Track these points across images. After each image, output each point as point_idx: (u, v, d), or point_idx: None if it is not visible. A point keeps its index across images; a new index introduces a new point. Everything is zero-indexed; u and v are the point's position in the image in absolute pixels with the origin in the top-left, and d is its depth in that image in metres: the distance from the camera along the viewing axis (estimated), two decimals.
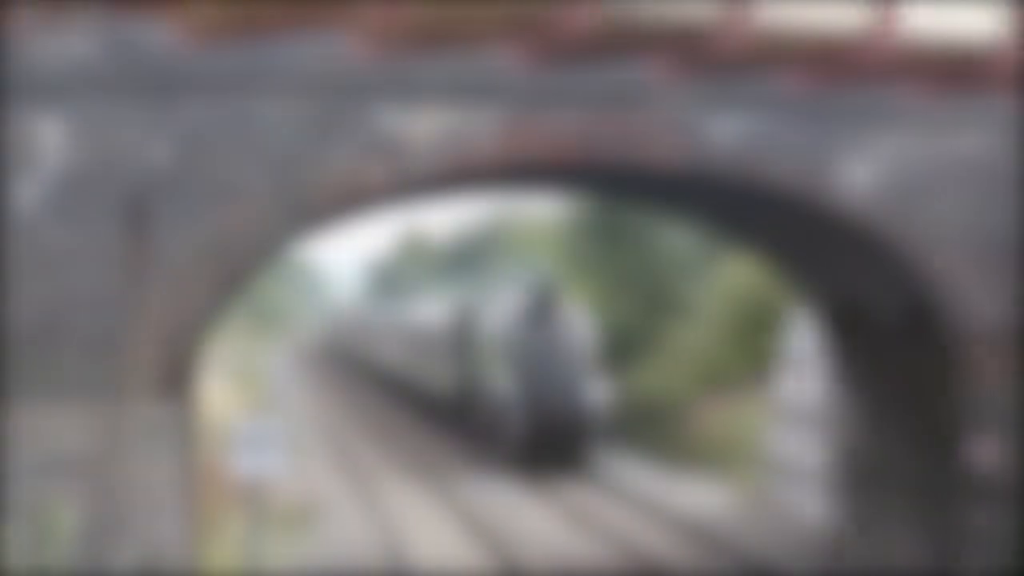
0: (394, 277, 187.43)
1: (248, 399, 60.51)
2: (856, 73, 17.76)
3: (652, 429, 54.64)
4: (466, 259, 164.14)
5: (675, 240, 65.93)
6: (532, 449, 47.21)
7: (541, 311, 48.82)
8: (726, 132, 24.87)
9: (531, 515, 37.78)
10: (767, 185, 25.26)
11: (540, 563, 30.32)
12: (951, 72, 17.55)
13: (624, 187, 32.16)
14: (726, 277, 54.54)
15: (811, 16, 15.46)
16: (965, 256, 26.23)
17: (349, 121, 23.26)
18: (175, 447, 22.45)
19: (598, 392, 48.04)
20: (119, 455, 21.96)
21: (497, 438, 50.15)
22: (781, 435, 37.75)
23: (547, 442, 47.03)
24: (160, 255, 22.41)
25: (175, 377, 22.41)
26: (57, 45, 21.95)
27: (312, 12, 14.22)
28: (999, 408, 26.57)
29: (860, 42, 15.82)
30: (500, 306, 52.63)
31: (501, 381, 48.57)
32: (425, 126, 23.53)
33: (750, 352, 50.09)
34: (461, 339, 58.15)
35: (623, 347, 60.70)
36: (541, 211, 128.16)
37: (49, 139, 22.00)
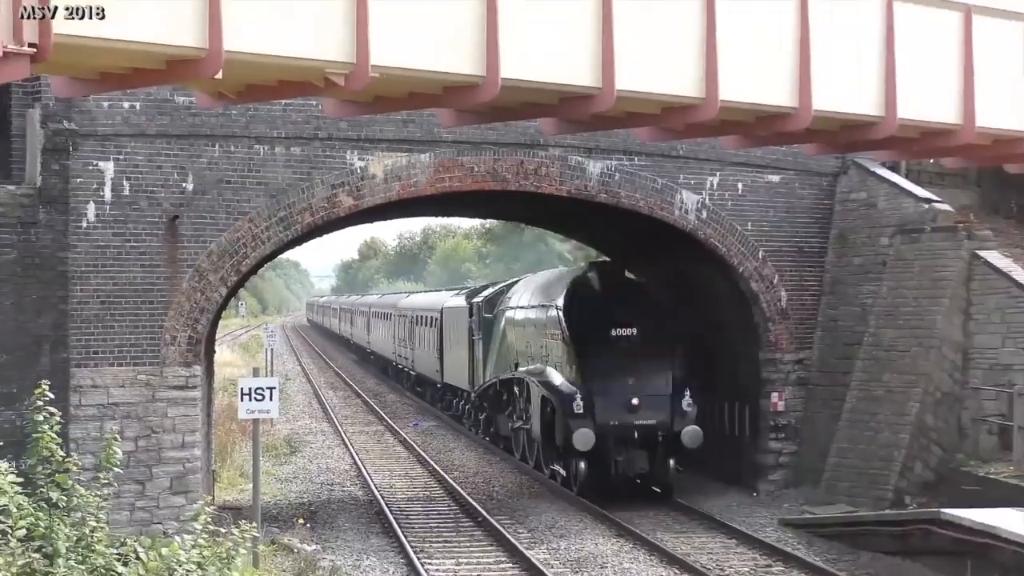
0: (356, 273, 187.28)
1: (251, 362, 59.89)
2: (690, 128, 17.74)
3: None
4: (407, 259, 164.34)
5: (561, 245, 65.78)
6: (603, 471, 26.24)
7: (609, 290, 27.59)
8: (598, 170, 24.90)
9: (457, 445, 37.66)
10: (627, 207, 25.31)
11: (460, 474, 30.28)
12: (760, 127, 17.55)
13: (525, 209, 32.14)
14: None
15: (656, 86, 15.43)
16: (768, 258, 26.37)
17: (325, 162, 23.15)
18: (198, 398, 22.29)
19: (689, 392, 26.38)
20: (157, 404, 21.79)
21: (548, 452, 28.57)
22: None
23: (626, 461, 26.25)
24: (187, 258, 22.24)
25: (198, 347, 22.24)
26: (110, 105, 21.77)
27: (298, 86, 14.10)
28: (787, 368, 26.83)
29: (694, 105, 15.79)
30: (546, 284, 31.23)
31: (555, 377, 27.37)
32: (380, 166, 23.42)
33: None
34: (479, 326, 36.59)
35: None
36: (463, 223, 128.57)
37: (106, 174, 21.79)
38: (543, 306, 29.46)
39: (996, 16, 18.14)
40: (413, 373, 53.07)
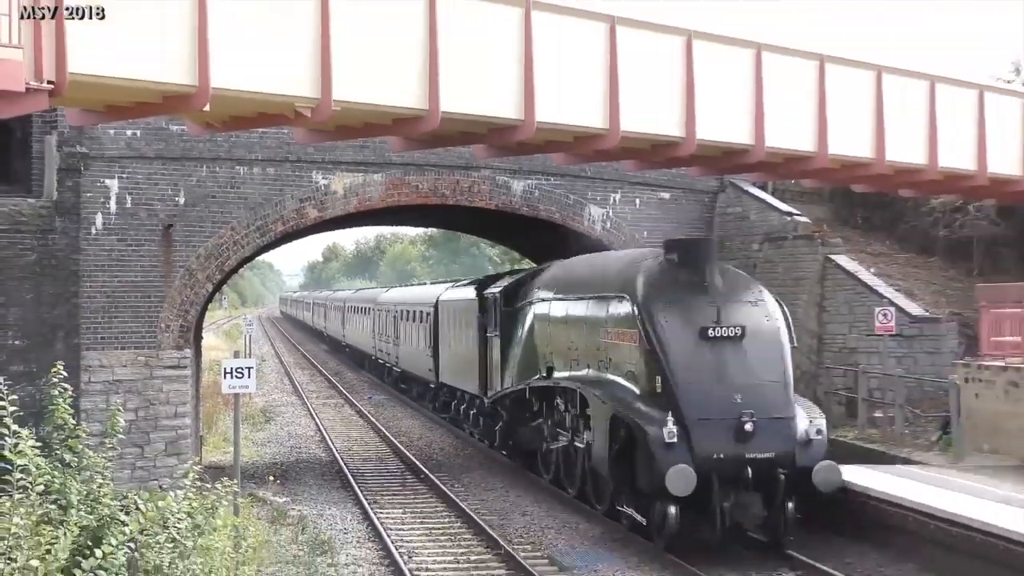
0: (320, 273, 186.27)
1: (232, 346, 59.35)
2: (597, 153, 17.94)
3: None
4: (363, 261, 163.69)
5: (491, 249, 65.66)
6: (702, 517, 16.21)
7: (700, 276, 17.56)
8: (521, 188, 25.04)
9: (404, 415, 37.56)
10: (544, 218, 25.46)
11: (406, 439, 30.25)
12: (654, 153, 17.77)
13: (460, 220, 32.21)
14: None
15: (570, 119, 15.62)
16: None
17: (295, 180, 23.14)
18: (188, 376, 22.22)
19: (814, 413, 17.04)
20: (154, 381, 21.70)
21: (618, 490, 17.76)
22: None
23: (736, 507, 16.10)
24: (179, 260, 22.16)
25: (188, 334, 22.16)
26: (115, 132, 21.66)
27: (272, 118, 14.18)
28: None
29: (600, 135, 15.99)
30: (604, 269, 20.54)
31: (628, 391, 17.47)
32: (340, 184, 23.44)
33: None
34: (497, 322, 25.02)
35: None
36: (410, 231, 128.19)
37: (112, 190, 21.69)
38: (604, 297, 18.99)
39: (845, 64, 18.56)
40: (397, 369, 42.39)
